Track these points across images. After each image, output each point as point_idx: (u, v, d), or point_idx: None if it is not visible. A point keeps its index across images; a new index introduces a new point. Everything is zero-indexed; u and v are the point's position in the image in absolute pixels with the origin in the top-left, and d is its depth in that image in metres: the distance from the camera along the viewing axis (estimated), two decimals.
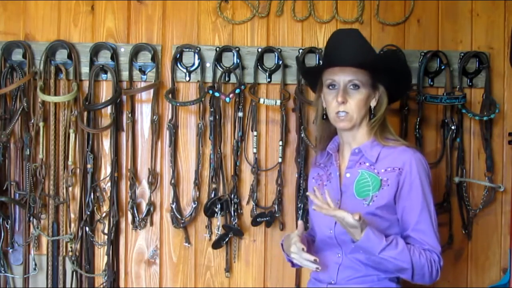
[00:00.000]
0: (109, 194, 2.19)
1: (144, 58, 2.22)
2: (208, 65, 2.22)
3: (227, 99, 2.12)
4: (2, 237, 2.15)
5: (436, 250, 1.67)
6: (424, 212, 1.68)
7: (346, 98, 1.70)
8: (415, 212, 1.67)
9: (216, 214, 2.20)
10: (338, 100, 1.70)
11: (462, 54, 2.26)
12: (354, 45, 1.72)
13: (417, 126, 2.23)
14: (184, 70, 2.22)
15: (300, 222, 1.78)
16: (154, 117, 2.20)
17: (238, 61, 2.21)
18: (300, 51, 2.22)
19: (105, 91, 2.22)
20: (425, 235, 1.67)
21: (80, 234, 2.17)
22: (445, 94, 2.21)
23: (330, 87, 1.74)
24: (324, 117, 1.80)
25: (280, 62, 2.21)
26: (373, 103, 1.76)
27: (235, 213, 2.20)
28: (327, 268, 1.75)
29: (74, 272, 2.17)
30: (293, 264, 1.88)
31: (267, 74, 2.23)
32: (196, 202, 2.22)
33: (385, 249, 1.60)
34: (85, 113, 2.17)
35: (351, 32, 1.78)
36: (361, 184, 1.72)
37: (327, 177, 1.82)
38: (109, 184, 2.19)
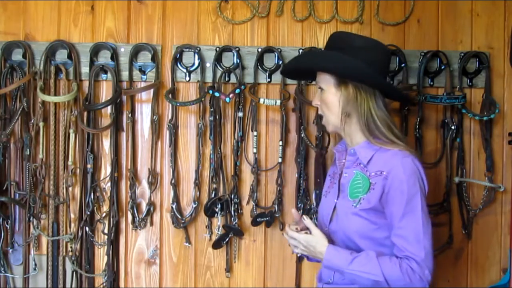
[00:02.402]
0: (109, 194, 2.19)
1: (144, 58, 2.22)
2: (208, 65, 2.22)
3: (227, 99, 2.12)
4: (2, 237, 2.15)
5: (416, 257, 1.59)
6: (407, 218, 1.61)
7: (317, 101, 1.80)
8: (397, 217, 1.62)
9: (216, 214, 2.20)
10: (313, 103, 1.82)
11: (462, 54, 2.26)
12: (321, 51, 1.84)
13: (417, 126, 2.23)
14: (184, 70, 2.22)
15: (293, 210, 1.79)
16: (154, 117, 2.20)
17: (238, 61, 2.21)
18: (300, 51, 2.22)
19: (105, 91, 2.22)
20: (406, 242, 1.61)
21: (80, 234, 2.17)
22: (445, 94, 2.21)
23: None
24: None
25: (280, 62, 2.21)
26: (343, 102, 1.72)
27: (235, 213, 2.20)
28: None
29: (74, 272, 2.17)
30: (308, 257, 1.86)
31: (267, 74, 2.23)
32: (196, 202, 2.22)
33: (352, 262, 1.60)
34: (85, 113, 2.17)
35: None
36: (354, 185, 1.72)
37: (337, 175, 1.83)
38: (109, 184, 2.19)
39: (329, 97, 1.74)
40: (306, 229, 1.72)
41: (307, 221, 1.69)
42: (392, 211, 1.64)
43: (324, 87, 1.75)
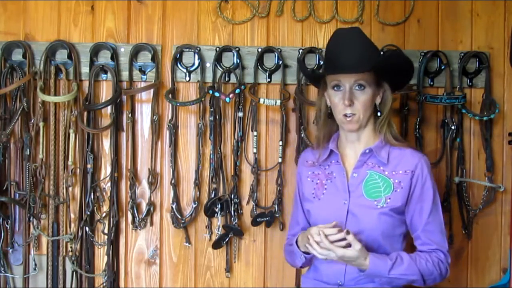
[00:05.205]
0: (109, 194, 2.19)
1: (144, 58, 2.22)
2: (208, 65, 2.22)
3: (227, 99, 2.12)
4: (2, 237, 2.15)
5: (443, 248, 1.73)
6: (433, 213, 1.73)
7: (352, 100, 1.71)
8: (426, 213, 1.72)
9: (216, 214, 2.19)
10: (345, 102, 1.70)
11: (462, 54, 2.26)
12: (358, 47, 1.72)
13: (417, 126, 2.23)
14: (184, 70, 2.22)
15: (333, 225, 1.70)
16: (154, 117, 2.20)
17: (238, 61, 2.21)
18: (300, 51, 2.22)
19: (105, 91, 2.22)
20: (434, 235, 1.73)
21: (80, 234, 2.17)
22: (445, 94, 2.21)
23: (335, 88, 1.75)
24: (330, 116, 1.81)
25: (280, 62, 2.21)
26: (377, 101, 1.77)
27: (235, 213, 2.20)
28: (332, 268, 1.75)
29: (74, 272, 2.17)
30: (304, 264, 1.84)
31: (267, 74, 2.23)
32: (196, 202, 2.22)
33: (392, 268, 1.64)
34: (85, 113, 2.17)
35: (353, 33, 1.77)
36: (370, 185, 1.73)
37: (326, 176, 1.82)
38: (109, 184, 2.19)
39: (371, 95, 1.73)
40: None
41: (350, 236, 1.62)
42: (417, 207, 1.72)
43: (366, 86, 1.71)
